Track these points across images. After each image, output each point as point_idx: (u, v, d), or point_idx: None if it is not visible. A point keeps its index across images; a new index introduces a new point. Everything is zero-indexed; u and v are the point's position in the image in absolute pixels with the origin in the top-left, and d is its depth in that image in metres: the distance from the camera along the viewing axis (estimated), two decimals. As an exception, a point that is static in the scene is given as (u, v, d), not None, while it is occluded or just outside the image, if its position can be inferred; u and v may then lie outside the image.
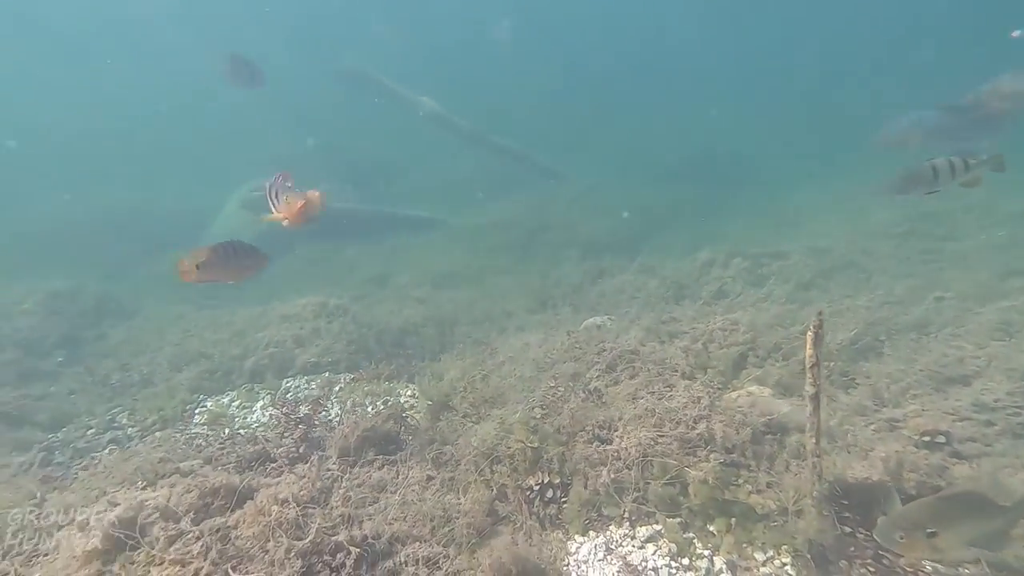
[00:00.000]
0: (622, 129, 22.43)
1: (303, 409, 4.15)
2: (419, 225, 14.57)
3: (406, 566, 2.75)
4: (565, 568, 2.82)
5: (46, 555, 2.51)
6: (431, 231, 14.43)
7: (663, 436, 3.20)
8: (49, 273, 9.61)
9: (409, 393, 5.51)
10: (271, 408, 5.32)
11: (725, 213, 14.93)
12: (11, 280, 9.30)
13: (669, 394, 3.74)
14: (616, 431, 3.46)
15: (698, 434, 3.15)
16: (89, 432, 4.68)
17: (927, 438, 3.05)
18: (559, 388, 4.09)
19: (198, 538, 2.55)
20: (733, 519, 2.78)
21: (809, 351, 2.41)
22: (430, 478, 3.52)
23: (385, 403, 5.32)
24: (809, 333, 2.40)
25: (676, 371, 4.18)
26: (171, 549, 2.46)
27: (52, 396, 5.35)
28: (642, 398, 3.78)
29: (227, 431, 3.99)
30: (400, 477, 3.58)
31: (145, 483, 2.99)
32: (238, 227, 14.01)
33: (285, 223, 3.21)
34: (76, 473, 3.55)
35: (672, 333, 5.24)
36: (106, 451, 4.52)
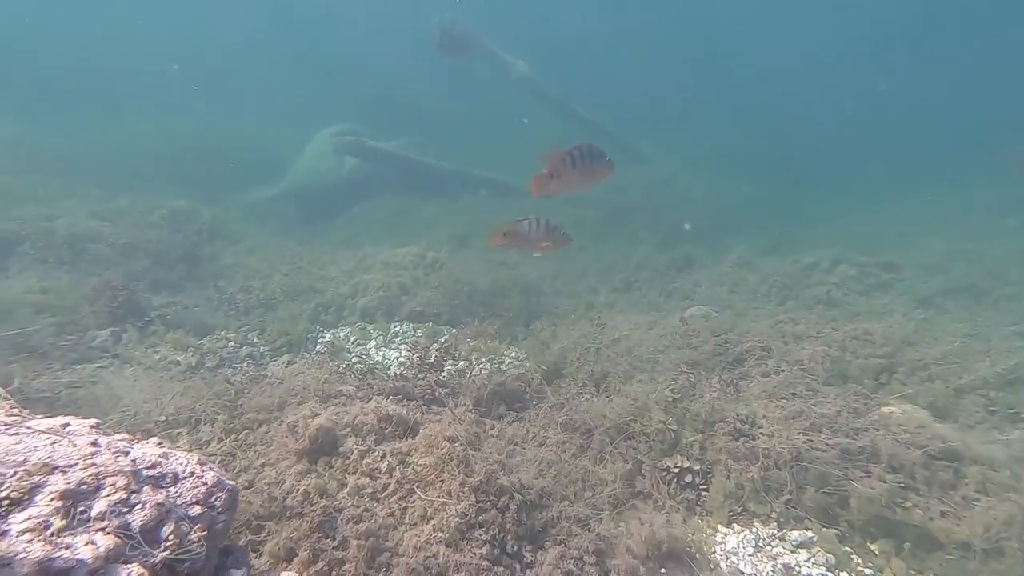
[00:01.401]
0: (713, 118, 21.21)
1: (433, 355, 4.31)
2: (495, 188, 14.54)
3: (560, 521, 2.85)
4: (713, 555, 2.84)
5: (252, 445, 2.78)
6: (507, 196, 14.40)
7: (821, 443, 3.10)
8: (151, 189, 10.30)
9: (513, 355, 5.61)
10: (384, 348, 5.59)
11: (815, 214, 14.09)
12: (125, 192, 9.99)
13: (815, 399, 3.61)
14: (760, 428, 3.40)
15: (860, 447, 3.03)
16: (229, 344, 5.10)
17: None
18: (690, 375, 4.03)
19: (383, 457, 2.74)
20: (907, 543, 2.68)
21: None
22: (564, 441, 3.60)
23: (490, 360, 5.48)
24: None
25: (815, 375, 4.01)
26: (363, 462, 2.66)
27: (191, 307, 5.83)
28: (784, 398, 3.68)
29: (362, 365, 4.23)
30: (531, 434, 3.69)
31: (319, 400, 3.23)
32: (324, 168, 14.49)
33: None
34: (241, 379, 3.86)
35: (796, 335, 5.02)
36: (244, 363, 4.92)
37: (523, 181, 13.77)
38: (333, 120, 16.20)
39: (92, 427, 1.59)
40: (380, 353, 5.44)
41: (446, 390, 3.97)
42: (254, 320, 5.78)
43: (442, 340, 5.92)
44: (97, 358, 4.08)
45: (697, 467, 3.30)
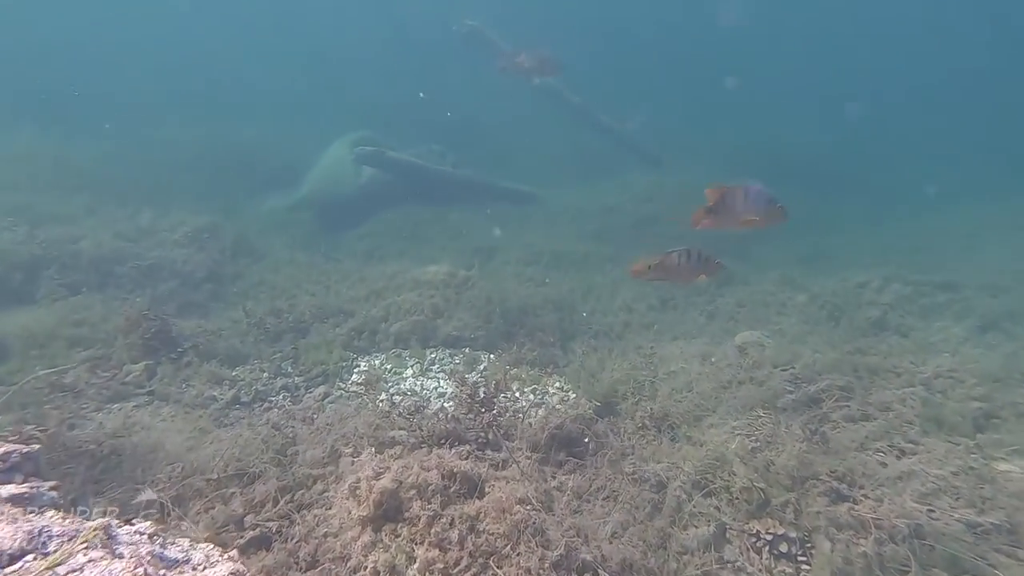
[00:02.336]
0: (739, 123, 20.75)
1: (482, 391, 4.01)
2: (517, 198, 14.29)
3: (649, 604, 2.52)
4: (827, 645, 2.48)
5: (309, 506, 2.50)
6: (529, 205, 14.16)
7: (942, 512, 2.71)
8: (171, 202, 10.11)
9: (556, 385, 5.29)
10: (422, 377, 5.30)
11: (848, 224, 13.64)
12: (146, 207, 9.80)
13: (918, 455, 3.23)
14: (862, 489, 3.02)
15: (994, 523, 2.64)
16: (264, 375, 4.85)
17: None
18: (767, 420, 3.67)
19: (452, 524, 2.44)
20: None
21: None
22: (635, 496, 3.26)
23: (533, 391, 5.16)
24: None
25: (909, 423, 3.62)
26: (431, 531, 2.36)
27: (221, 333, 5.60)
28: (882, 452, 3.29)
29: (407, 402, 3.94)
30: (596, 486, 3.35)
31: (373, 448, 2.93)
32: (341, 177, 14.25)
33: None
34: (285, 419, 3.58)
35: (870, 368, 4.62)
36: (280, 396, 4.67)
37: (549, 193, 13.41)
38: (350, 127, 16.00)
39: (230, 558, 1.36)
40: (418, 383, 5.15)
41: (503, 433, 3.65)
42: (286, 346, 5.53)
43: (480, 368, 5.63)
44: (132, 395, 3.85)
45: (793, 534, 2.93)
